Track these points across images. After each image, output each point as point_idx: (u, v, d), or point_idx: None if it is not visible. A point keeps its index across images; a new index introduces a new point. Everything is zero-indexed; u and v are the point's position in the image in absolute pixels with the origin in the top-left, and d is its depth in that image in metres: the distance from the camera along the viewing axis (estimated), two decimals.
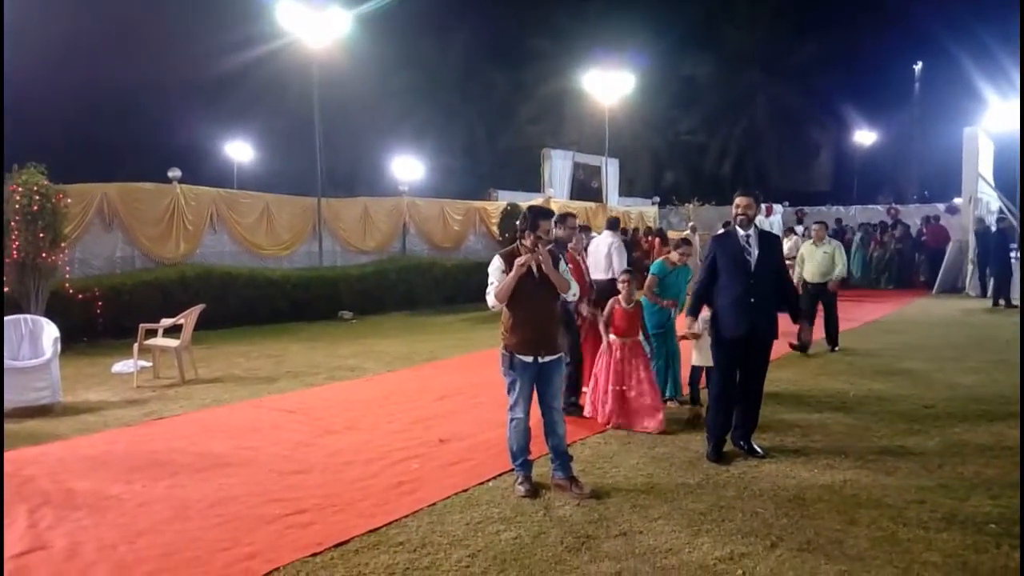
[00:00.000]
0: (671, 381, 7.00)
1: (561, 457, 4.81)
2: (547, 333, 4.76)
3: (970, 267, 17.72)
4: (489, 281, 4.74)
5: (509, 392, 4.78)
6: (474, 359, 9.72)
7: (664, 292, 7.04)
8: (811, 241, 10.52)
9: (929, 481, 4.88)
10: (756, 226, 5.49)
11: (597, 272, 8.20)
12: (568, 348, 6.77)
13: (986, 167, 18.86)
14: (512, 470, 4.91)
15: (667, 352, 7.01)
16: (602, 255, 8.39)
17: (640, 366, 6.25)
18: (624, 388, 6.20)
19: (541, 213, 4.77)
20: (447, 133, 34.32)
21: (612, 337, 6.32)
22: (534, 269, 4.66)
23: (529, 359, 4.68)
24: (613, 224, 9.13)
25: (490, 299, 4.72)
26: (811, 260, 10.30)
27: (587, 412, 6.49)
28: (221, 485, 4.94)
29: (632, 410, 6.17)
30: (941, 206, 22.78)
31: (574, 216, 7.08)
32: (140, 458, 5.57)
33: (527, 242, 4.70)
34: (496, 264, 4.74)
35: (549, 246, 4.75)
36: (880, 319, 13.71)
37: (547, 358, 4.73)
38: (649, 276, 7.10)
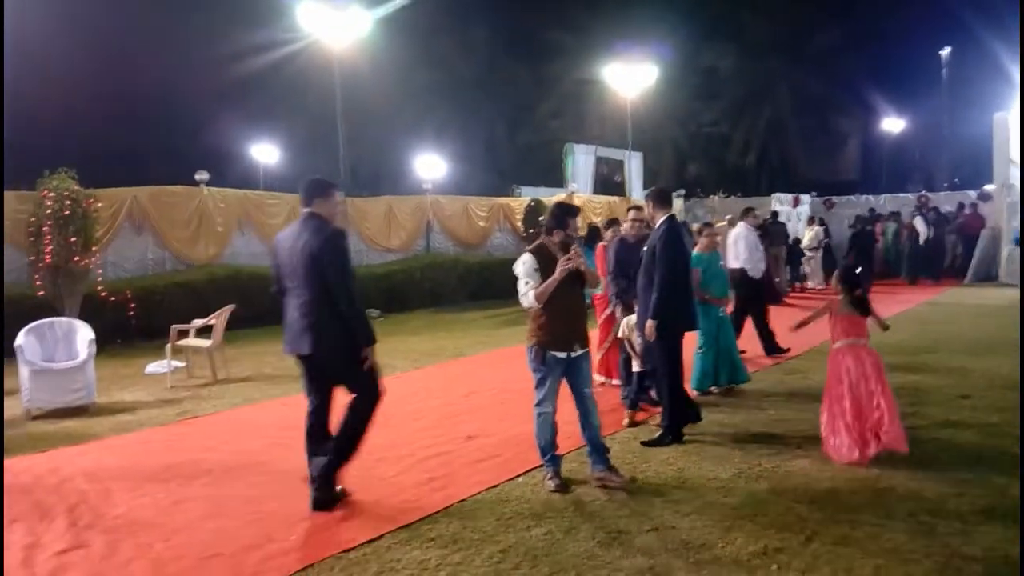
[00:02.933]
0: (728, 368, 7.10)
1: (598, 450, 4.80)
2: (579, 327, 4.75)
3: (1004, 253, 17.41)
4: (522, 280, 4.68)
5: (538, 387, 4.75)
6: (500, 355, 9.73)
7: (708, 283, 7.12)
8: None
9: (967, 473, 4.78)
10: (661, 226, 5.69)
11: (734, 261, 8.75)
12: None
13: (1017, 153, 18.45)
14: (541, 466, 4.89)
15: (719, 346, 7.10)
16: (731, 244, 9.04)
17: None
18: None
19: (569, 210, 4.78)
20: (469, 130, 34.35)
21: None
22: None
23: (562, 355, 4.66)
24: (744, 213, 9.61)
25: (527, 300, 4.65)
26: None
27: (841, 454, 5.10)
28: (254, 483, 5.00)
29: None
30: (972, 193, 22.32)
31: (640, 208, 6.98)
32: (175, 457, 5.65)
33: (555, 239, 4.69)
34: (529, 263, 4.68)
35: (575, 243, 4.74)
36: (913, 309, 13.50)
37: (579, 352, 4.72)
38: (692, 270, 6.70)
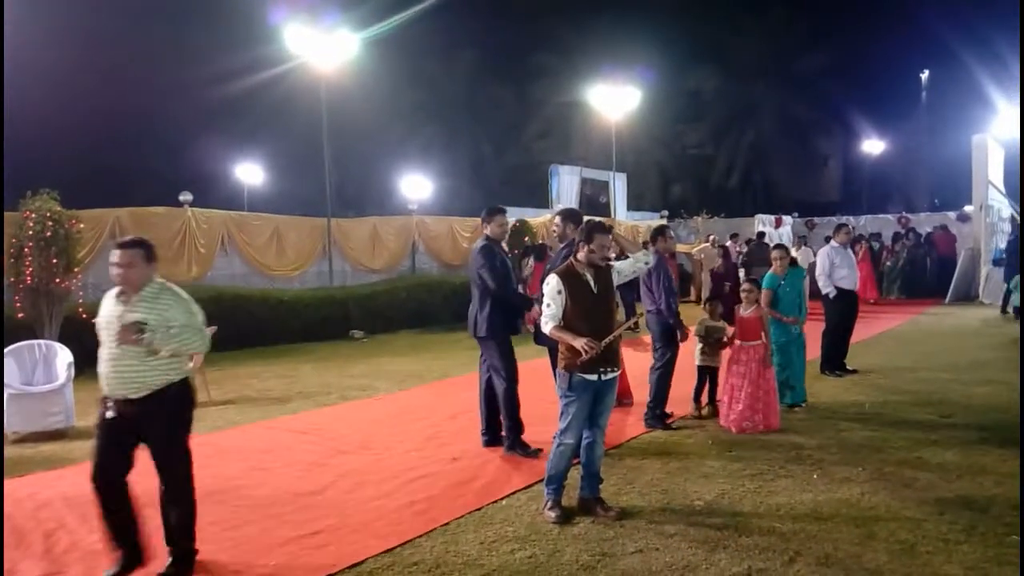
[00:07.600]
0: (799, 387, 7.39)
1: (592, 477, 4.68)
2: (610, 348, 4.51)
3: (983, 274, 17.63)
4: (544, 302, 4.51)
5: (563, 415, 4.56)
6: None
7: (778, 304, 7.26)
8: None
9: (948, 493, 4.82)
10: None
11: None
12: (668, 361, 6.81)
13: (996, 174, 18.77)
14: (526, 488, 4.85)
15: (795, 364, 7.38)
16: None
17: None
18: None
19: (597, 227, 4.55)
20: (454, 151, 34.48)
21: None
22: (592, 285, 4.47)
23: (593, 377, 4.46)
24: (836, 230, 9.39)
25: (546, 328, 4.50)
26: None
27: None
28: (235, 507, 4.94)
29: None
30: (952, 214, 22.66)
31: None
32: (152, 481, 5.54)
33: (582, 257, 4.53)
34: (553, 284, 4.46)
35: (606, 261, 4.57)
36: (893, 329, 13.61)
37: (609, 375, 4.54)
38: (764, 291, 7.09)
